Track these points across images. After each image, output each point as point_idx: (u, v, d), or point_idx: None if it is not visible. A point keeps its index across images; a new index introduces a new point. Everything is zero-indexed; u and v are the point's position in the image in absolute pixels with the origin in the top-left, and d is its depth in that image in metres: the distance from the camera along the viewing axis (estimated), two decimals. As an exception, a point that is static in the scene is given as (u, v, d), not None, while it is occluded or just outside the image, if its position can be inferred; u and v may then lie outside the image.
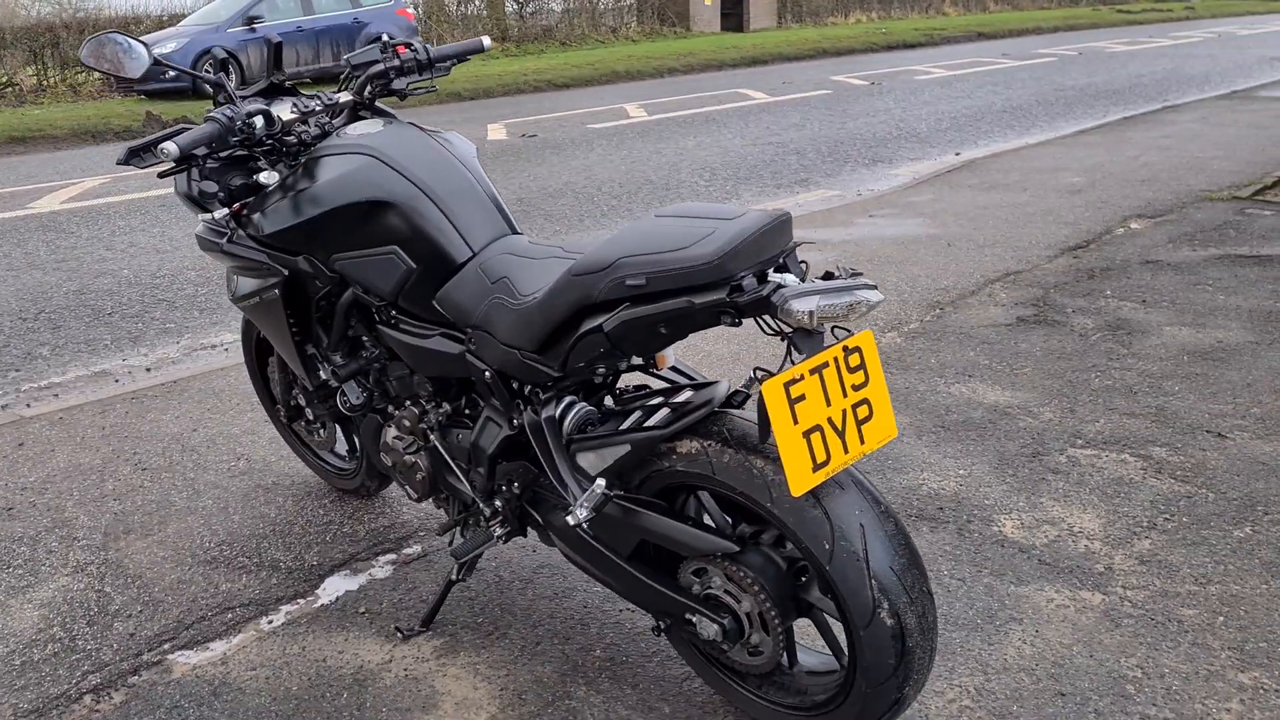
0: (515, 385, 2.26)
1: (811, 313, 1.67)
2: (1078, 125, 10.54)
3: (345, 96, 2.55)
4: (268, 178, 2.48)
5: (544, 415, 2.15)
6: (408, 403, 2.52)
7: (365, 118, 2.61)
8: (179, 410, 4.05)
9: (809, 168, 8.88)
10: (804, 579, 2.04)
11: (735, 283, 1.75)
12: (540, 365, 2.07)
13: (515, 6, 24.58)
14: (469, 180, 2.36)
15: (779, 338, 1.81)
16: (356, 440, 3.10)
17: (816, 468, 1.78)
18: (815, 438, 1.78)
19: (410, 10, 17.65)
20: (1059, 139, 9.62)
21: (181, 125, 2.45)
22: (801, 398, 1.76)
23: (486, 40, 2.70)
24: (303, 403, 3.02)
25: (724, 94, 14.21)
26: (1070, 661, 2.37)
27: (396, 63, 2.61)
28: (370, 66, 2.58)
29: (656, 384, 2.22)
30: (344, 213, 2.29)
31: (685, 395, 2.10)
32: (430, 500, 2.62)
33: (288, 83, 2.74)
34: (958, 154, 9.35)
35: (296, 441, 3.33)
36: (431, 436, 2.46)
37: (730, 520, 2.11)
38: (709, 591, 2.05)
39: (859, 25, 27.78)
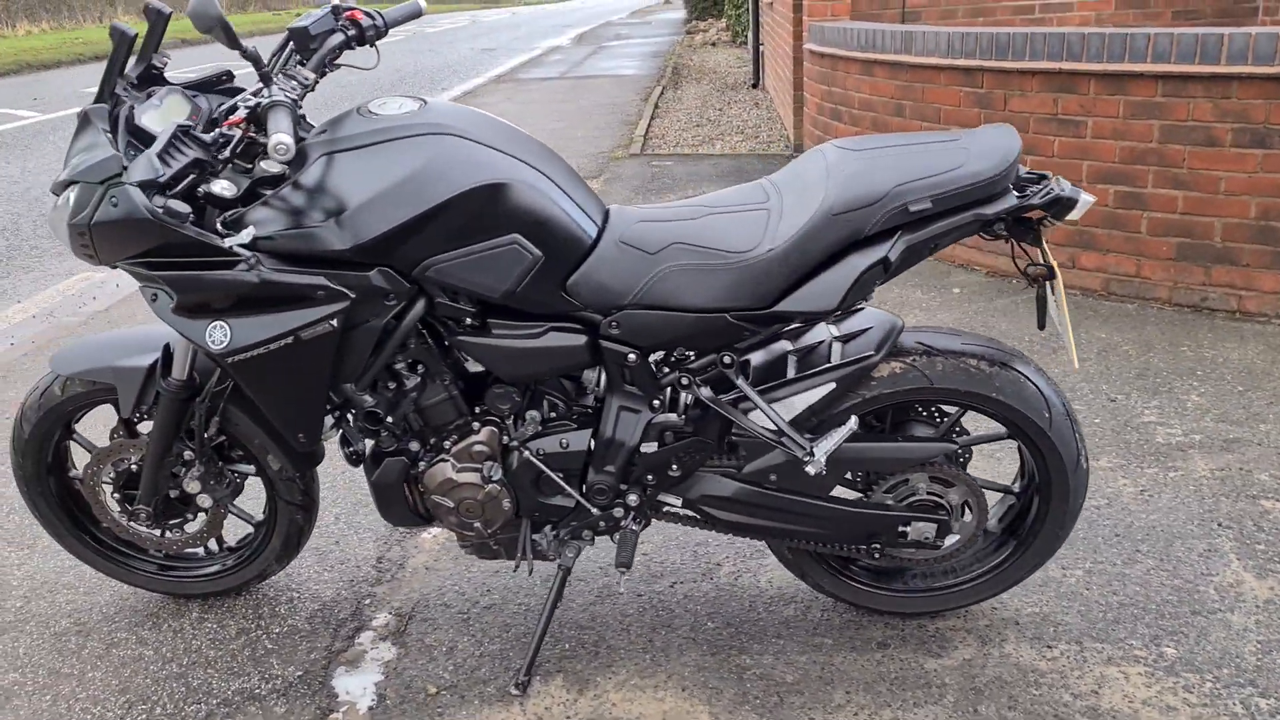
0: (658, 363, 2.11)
1: (1089, 203, 1.93)
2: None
3: (309, 75, 2.02)
4: (225, 189, 1.90)
5: (740, 380, 2.06)
6: (475, 425, 2.15)
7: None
8: None
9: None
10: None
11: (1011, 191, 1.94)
12: (748, 325, 1.99)
13: None
14: (553, 153, 2.08)
15: (1004, 240, 2.03)
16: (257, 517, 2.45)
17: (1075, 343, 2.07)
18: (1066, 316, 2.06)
19: None
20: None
21: (180, 123, 1.75)
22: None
23: (423, 2, 2.31)
24: (194, 489, 2.30)
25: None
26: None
27: (355, 32, 2.14)
28: (329, 37, 2.08)
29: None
30: (458, 204, 1.89)
31: (837, 329, 2.17)
32: (467, 543, 2.27)
33: (165, 69, 2.08)
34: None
35: (126, 562, 2.50)
36: (524, 453, 2.14)
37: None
38: (914, 498, 2.19)
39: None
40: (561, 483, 2.17)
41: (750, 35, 11.60)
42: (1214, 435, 3.15)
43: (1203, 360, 3.68)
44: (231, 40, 1.69)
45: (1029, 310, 4.24)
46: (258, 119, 1.87)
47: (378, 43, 2.24)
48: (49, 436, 2.35)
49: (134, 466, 2.35)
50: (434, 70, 15.49)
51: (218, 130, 1.90)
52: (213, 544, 2.54)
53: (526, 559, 2.23)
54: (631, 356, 2.06)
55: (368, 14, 2.18)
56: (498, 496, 2.16)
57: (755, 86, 11.20)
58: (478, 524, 2.20)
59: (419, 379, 2.12)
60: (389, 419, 2.14)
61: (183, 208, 1.85)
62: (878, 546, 2.22)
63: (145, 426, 2.39)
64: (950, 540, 2.25)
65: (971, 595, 2.34)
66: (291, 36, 2.06)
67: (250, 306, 1.94)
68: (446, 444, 2.17)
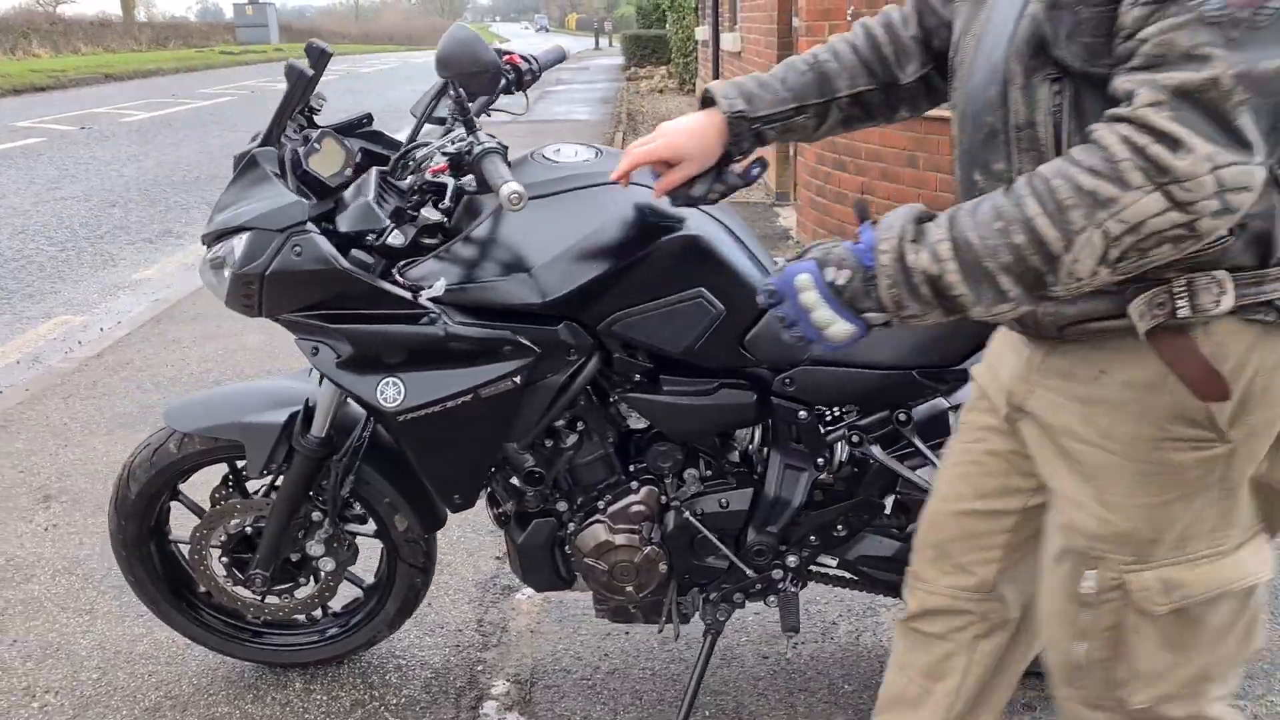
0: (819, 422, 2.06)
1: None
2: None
3: (473, 119, 1.94)
4: (395, 237, 1.82)
5: (915, 438, 2.02)
6: (632, 485, 2.06)
7: None
8: None
9: (175, 210, 7.94)
10: None
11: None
12: (932, 382, 1.95)
13: None
14: (725, 204, 2.03)
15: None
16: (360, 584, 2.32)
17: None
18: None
19: None
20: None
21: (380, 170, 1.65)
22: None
23: (565, 46, 2.25)
24: (318, 552, 2.17)
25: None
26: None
27: (514, 76, 2.07)
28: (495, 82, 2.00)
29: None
30: (651, 257, 1.82)
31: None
32: (604, 607, 2.18)
33: (319, 112, 1.99)
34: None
35: (226, 630, 2.34)
36: (684, 513, 2.06)
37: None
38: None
39: (-48, 67, 24.18)
40: (718, 544, 2.10)
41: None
42: None
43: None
44: (488, 86, 1.60)
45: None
46: (460, 166, 1.78)
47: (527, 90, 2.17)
48: (157, 497, 2.20)
49: (248, 529, 2.21)
50: (380, 111, 15.24)
51: (415, 177, 1.81)
52: (316, 610, 2.39)
53: (674, 623, 2.14)
54: (802, 414, 2.00)
55: (524, 58, 2.11)
56: (655, 559, 2.07)
57: (714, 134, 11.25)
58: (629, 588, 2.10)
59: (577, 436, 2.03)
60: (530, 481, 2.04)
61: (368, 258, 1.76)
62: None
63: (251, 486, 2.26)
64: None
65: (1115, 654, 2.32)
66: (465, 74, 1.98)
67: (428, 361, 1.83)
68: (600, 504, 2.08)
